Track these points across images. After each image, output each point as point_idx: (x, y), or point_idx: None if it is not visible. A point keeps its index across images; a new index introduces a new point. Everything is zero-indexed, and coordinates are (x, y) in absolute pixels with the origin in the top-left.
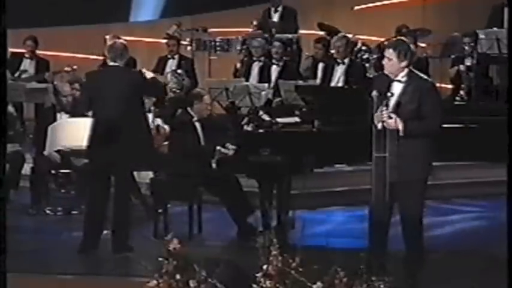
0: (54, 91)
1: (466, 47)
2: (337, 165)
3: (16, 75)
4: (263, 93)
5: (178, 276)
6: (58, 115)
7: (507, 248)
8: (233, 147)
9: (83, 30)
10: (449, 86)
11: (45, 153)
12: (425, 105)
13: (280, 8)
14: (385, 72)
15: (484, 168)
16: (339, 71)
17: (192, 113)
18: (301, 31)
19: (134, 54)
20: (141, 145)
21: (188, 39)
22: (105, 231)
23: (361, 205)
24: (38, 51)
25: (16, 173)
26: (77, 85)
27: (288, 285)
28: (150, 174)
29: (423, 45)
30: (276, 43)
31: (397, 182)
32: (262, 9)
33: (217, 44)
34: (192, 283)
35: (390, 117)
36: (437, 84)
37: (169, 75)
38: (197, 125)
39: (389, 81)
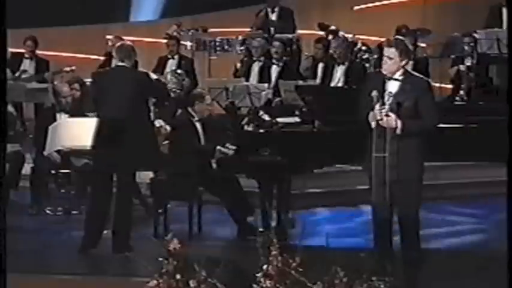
0: (53, 91)
1: (466, 47)
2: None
3: (16, 75)
4: (263, 93)
5: (178, 276)
6: (57, 115)
7: (507, 248)
8: (233, 147)
9: (83, 30)
10: (449, 86)
11: (45, 153)
12: (422, 103)
13: (277, 9)
14: (384, 71)
15: (483, 168)
16: (339, 71)
17: (192, 112)
18: (301, 31)
19: None
20: (145, 145)
21: (189, 40)
22: (105, 231)
23: (361, 205)
24: (38, 51)
25: (16, 173)
26: (76, 85)
27: (288, 285)
28: (150, 174)
29: (423, 45)
30: (276, 43)
31: (395, 181)
32: (259, 10)
33: (217, 44)
34: (192, 283)
35: (387, 115)
36: (437, 84)
37: (169, 75)
38: (197, 125)
39: (384, 80)
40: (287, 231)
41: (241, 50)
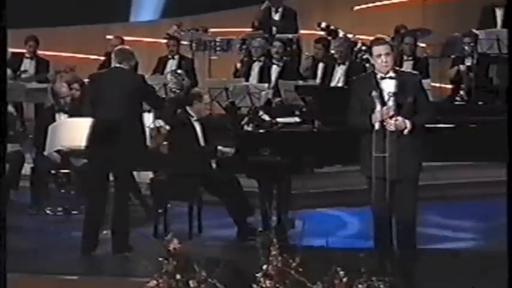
0: (52, 92)
1: (466, 47)
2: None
3: (17, 75)
4: (263, 93)
5: (178, 276)
6: (57, 115)
7: (507, 248)
8: (233, 147)
9: (83, 30)
10: (449, 86)
11: (45, 153)
12: (420, 98)
13: (280, 9)
14: (382, 69)
15: (483, 168)
16: (339, 71)
17: (191, 112)
18: (301, 31)
19: None
20: (135, 146)
21: (189, 40)
22: (104, 231)
23: (361, 205)
24: (38, 51)
25: (16, 173)
26: (76, 85)
27: (288, 285)
28: (150, 174)
29: (423, 45)
30: (276, 43)
31: (395, 181)
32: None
33: (217, 44)
34: (192, 283)
35: (396, 119)
36: (437, 84)
37: (169, 75)
38: (196, 124)
39: (377, 81)
40: (287, 231)
41: (241, 50)
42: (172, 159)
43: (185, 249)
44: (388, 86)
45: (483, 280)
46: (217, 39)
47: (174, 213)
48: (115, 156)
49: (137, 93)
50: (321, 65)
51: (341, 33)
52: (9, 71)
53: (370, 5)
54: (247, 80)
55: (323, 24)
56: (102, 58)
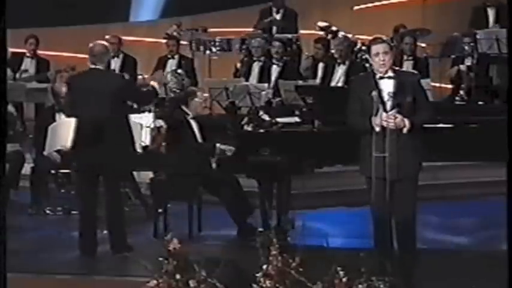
0: (52, 91)
1: (466, 47)
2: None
3: (17, 75)
4: (263, 93)
5: (178, 276)
6: (57, 115)
7: (507, 248)
8: (233, 147)
9: (83, 30)
10: (449, 86)
11: (45, 153)
12: (419, 97)
13: (282, 10)
14: (380, 68)
15: (483, 168)
16: (340, 71)
17: (186, 110)
18: (301, 31)
19: (134, 54)
20: (120, 146)
21: (189, 40)
22: (104, 231)
23: (361, 205)
24: (38, 51)
25: (16, 173)
26: None
27: (288, 285)
28: (150, 174)
29: (423, 45)
30: (276, 43)
31: (395, 180)
32: (261, 9)
33: (217, 43)
34: (192, 283)
35: (395, 117)
36: (437, 84)
37: (169, 75)
38: (192, 122)
39: (375, 81)
40: (287, 231)
41: (241, 50)
42: (171, 159)
43: (185, 249)
44: (387, 85)
45: (483, 280)
46: (217, 39)
47: (174, 213)
48: (99, 157)
49: (117, 92)
50: (321, 65)
51: (341, 33)
52: (9, 71)
53: (370, 4)
54: (247, 80)
55: (321, 24)
56: None
